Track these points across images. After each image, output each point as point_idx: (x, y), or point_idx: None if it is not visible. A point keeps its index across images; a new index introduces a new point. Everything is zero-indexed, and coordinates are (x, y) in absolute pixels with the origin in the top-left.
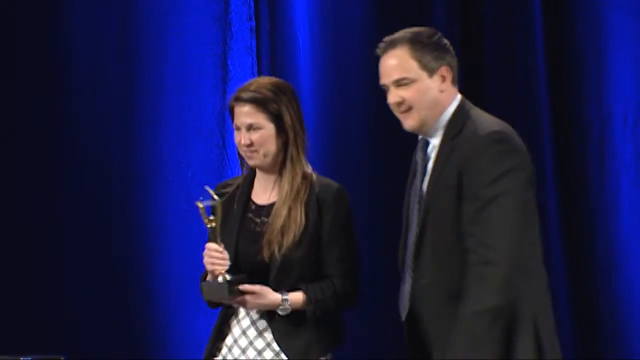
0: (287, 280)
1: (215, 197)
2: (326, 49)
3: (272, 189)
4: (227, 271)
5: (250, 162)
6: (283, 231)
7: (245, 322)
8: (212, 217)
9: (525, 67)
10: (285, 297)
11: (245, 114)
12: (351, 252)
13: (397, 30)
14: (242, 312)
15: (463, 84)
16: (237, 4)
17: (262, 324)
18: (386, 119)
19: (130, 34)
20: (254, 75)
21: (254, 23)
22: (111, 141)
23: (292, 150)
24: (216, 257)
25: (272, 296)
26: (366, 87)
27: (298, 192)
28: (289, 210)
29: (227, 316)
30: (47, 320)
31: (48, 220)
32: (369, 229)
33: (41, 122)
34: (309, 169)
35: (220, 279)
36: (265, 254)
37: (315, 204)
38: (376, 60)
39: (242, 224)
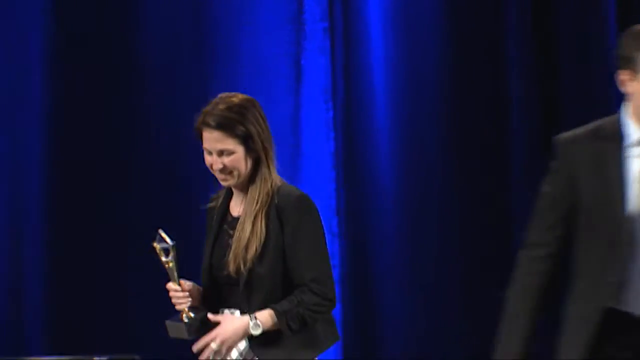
0: (257, 295)
1: (168, 240)
2: (399, 48)
3: (242, 201)
4: (191, 308)
5: (225, 184)
6: (247, 245)
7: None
8: (169, 258)
9: (601, 69)
10: (252, 315)
11: (214, 139)
12: (318, 259)
13: (470, 30)
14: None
15: (538, 86)
16: (310, 4)
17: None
18: (460, 119)
19: (205, 34)
20: (327, 75)
21: (327, 23)
22: (185, 141)
23: (262, 167)
24: (177, 297)
25: (238, 319)
26: (439, 86)
27: (261, 205)
28: (252, 223)
29: None
30: (121, 320)
31: (124, 220)
32: (441, 230)
33: (118, 122)
34: (278, 181)
35: (184, 317)
36: (232, 268)
37: (275, 215)
38: (449, 59)
39: (218, 235)
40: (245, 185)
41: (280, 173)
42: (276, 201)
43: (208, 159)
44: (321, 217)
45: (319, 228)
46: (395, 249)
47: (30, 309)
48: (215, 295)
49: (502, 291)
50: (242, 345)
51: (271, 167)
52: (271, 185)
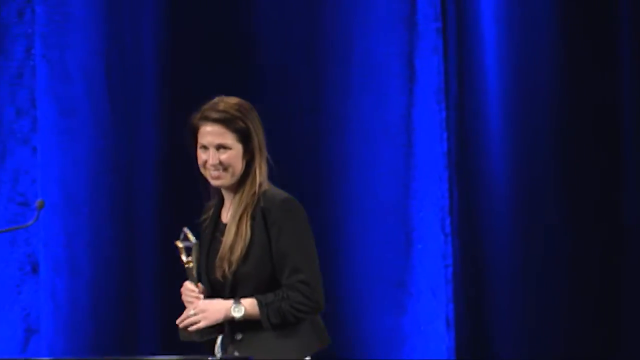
0: (243, 293)
1: (193, 239)
2: (512, 48)
3: (230, 206)
4: None
5: (217, 182)
6: (232, 249)
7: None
8: (190, 258)
9: None
10: (237, 299)
11: (214, 133)
12: (303, 261)
13: (583, 28)
14: (217, 349)
15: None
16: (423, 4)
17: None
18: (572, 119)
19: (318, 34)
20: (440, 75)
21: (440, 23)
22: (298, 141)
23: (255, 169)
24: (191, 297)
25: (220, 302)
26: (554, 87)
27: (246, 208)
28: (237, 226)
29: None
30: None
31: None
32: (552, 230)
33: None
34: (266, 185)
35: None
36: (219, 272)
37: (260, 218)
38: (562, 58)
39: (212, 242)
40: (235, 187)
41: (392, 173)
42: (262, 204)
43: (202, 155)
44: (308, 221)
45: (304, 231)
46: (507, 249)
47: (144, 309)
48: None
49: (614, 293)
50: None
51: (262, 170)
52: (258, 188)
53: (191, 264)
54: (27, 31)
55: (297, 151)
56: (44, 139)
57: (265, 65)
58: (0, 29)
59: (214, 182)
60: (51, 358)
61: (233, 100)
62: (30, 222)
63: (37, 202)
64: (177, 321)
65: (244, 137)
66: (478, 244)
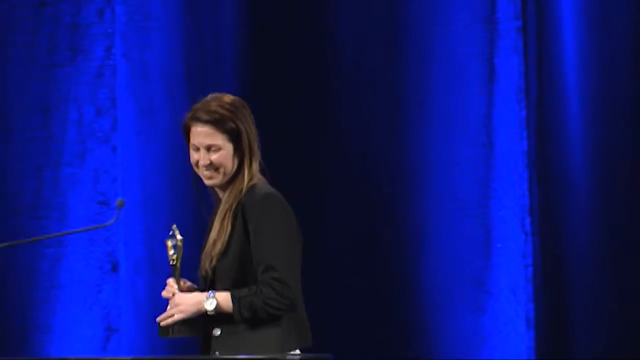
0: (220, 287)
1: (179, 236)
2: (592, 46)
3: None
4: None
5: (209, 182)
6: (215, 243)
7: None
8: (174, 255)
9: None
10: (211, 291)
11: (204, 134)
12: (277, 258)
13: None
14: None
15: None
16: (503, 3)
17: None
18: None
19: (398, 34)
20: (520, 75)
21: (520, 22)
22: (378, 141)
23: (245, 167)
24: (168, 292)
25: (195, 295)
26: (634, 85)
27: (231, 205)
28: (221, 222)
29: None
30: (314, 319)
31: (317, 220)
32: (634, 229)
33: (308, 122)
34: (256, 180)
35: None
36: (204, 267)
37: (240, 213)
38: None
39: (205, 239)
40: (225, 186)
41: (472, 173)
42: (243, 200)
43: (194, 155)
44: (288, 218)
45: (281, 228)
46: (588, 248)
47: None
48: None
49: None
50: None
51: (253, 167)
52: (246, 185)
53: (174, 261)
54: (107, 31)
55: (377, 151)
56: (124, 138)
57: (344, 65)
58: (81, 29)
59: (207, 182)
60: (131, 357)
61: (225, 98)
62: (110, 222)
63: (117, 201)
64: (157, 318)
65: (234, 137)
66: (558, 242)
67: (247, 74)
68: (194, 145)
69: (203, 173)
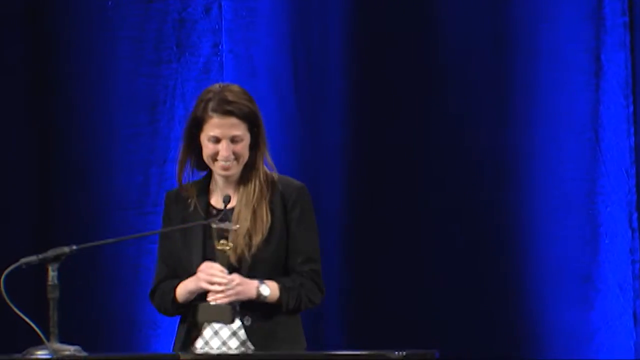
0: (261, 275)
1: (231, 223)
2: None
3: (234, 193)
4: None
5: (226, 173)
6: (251, 233)
7: (215, 342)
8: (225, 242)
9: None
10: (261, 282)
11: (228, 125)
12: (316, 251)
13: None
14: (209, 332)
15: None
16: None
17: (234, 342)
18: None
19: (504, 30)
20: (627, 71)
21: (627, 18)
22: (483, 137)
23: (259, 156)
24: (220, 277)
25: (251, 280)
26: None
27: (261, 193)
28: (254, 211)
29: (189, 338)
30: (420, 316)
31: (420, 218)
32: None
33: (414, 120)
34: (267, 170)
35: (219, 301)
36: (233, 257)
37: (279, 202)
38: None
39: (205, 231)
40: (241, 175)
41: (579, 169)
42: (280, 189)
43: (212, 147)
44: None
45: (315, 221)
46: None
47: (330, 303)
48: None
49: None
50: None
51: (267, 157)
52: (266, 174)
53: (227, 247)
54: (214, 27)
55: (483, 147)
56: None
57: (451, 62)
58: (187, 25)
59: (222, 173)
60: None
61: (236, 87)
62: (217, 217)
63: (224, 197)
64: (209, 298)
65: (253, 127)
66: None
67: (355, 71)
68: (214, 137)
69: (220, 165)
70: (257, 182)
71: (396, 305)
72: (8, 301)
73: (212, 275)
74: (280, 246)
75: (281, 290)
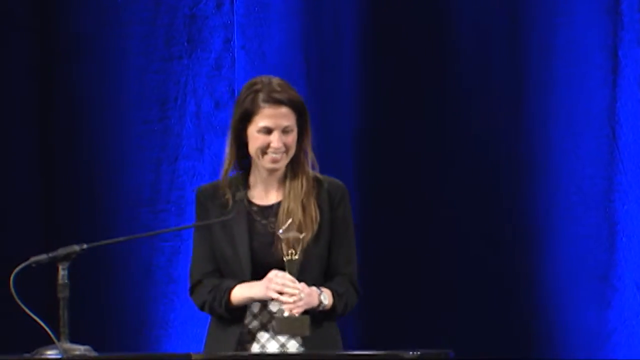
0: (310, 276)
1: (297, 233)
2: None
3: (277, 189)
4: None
5: (274, 166)
6: (301, 229)
7: (273, 345)
8: (292, 251)
9: None
10: (319, 290)
11: (281, 115)
12: (355, 252)
13: None
14: (264, 336)
15: None
16: None
17: (293, 344)
18: None
19: (519, 25)
20: None
21: None
22: (499, 133)
23: (305, 150)
24: (292, 287)
25: (313, 290)
26: None
27: (309, 189)
28: (303, 207)
29: (241, 342)
30: (435, 315)
31: (432, 216)
32: None
33: (427, 117)
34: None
35: (294, 313)
36: (277, 254)
37: (326, 200)
38: None
39: (249, 227)
40: (286, 170)
41: (596, 166)
42: (326, 186)
43: (262, 139)
44: None
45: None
46: None
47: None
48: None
49: None
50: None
51: (309, 152)
52: (309, 170)
53: (295, 257)
54: (225, 22)
55: (498, 145)
56: None
57: (465, 57)
58: (199, 20)
59: (271, 166)
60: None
61: (278, 79)
62: (230, 215)
63: (238, 195)
64: (286, 308)
65: (301, 117)
66: None
67: (367, 67)
68: (265, 127)
69: (271, 157)
70: (304, 176)
71: (410, 304)
72: (18, 300)
73: (283, 285)
74: (326, 245)
75: (334, 297)
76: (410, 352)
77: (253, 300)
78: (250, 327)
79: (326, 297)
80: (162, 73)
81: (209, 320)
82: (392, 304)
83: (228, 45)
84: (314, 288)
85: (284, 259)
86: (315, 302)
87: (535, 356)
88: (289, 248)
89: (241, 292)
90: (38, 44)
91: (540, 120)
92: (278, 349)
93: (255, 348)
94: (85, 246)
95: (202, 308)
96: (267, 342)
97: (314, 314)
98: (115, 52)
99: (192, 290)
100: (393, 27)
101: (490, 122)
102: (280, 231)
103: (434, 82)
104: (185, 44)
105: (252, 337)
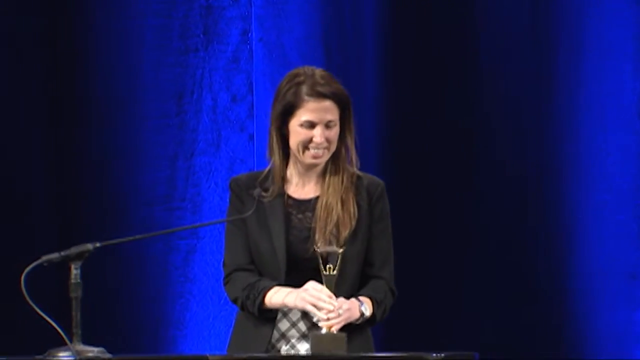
0: (348, 273)
1: (336, 248)
2: None
3: (315, 183)
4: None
5: (316, 161)
6: (339, 224)
7: (303, 345)
8: (330, 266)
9: None
10: (360, 302)
11: (324, 109)
12: (392, 252)
13: None
14: (294, 334)
15: None
16: None
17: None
18: None
19: (547, 16)
20: None
21: None
22: (527, 128)
23: (346, 144)
24: (327, 302)
25: (353, 303)
26: None
27: (348, 184)
28: (342, 203)
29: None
30: (463, 316)
31: (460, 213)
32: None
33: (451, 111)
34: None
35: (332, 330)
36: (311, 249)
37: (365, 197)
38: None
39: (285, 220)
40: (327, 165)
41: (626, 162)
42: (365, 183)
43: (304, 133)
44: None
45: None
46: None
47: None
48: (297, 281)
49: None
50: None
51: (351, 148)
52: (355, 165)
53: (334, 273)
54: (243, 13)
55: (526, 140)
56: (262, 126)
57: (491, 51)
58: (215, 12)
59: (312, 161)
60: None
61: (321, 70)
62: (248, 213)
63: (254, 192)
64: (324, 325)
65: (344, 111)
66: None
67: (389, 58)
68: (308, 122)
69: (312, 153)
70: (344, 172)
71: (436, 305)
72: (29, 300)
73: (319, 299)
74: (364, 243)
75: (374, 305)
76: (434, 354)
77: (287, 307)
78: (280, 325)
79: (367, 308)
80: (177, 66)
81: (235, 318)
82: (417, 305)
83: (245, 37)
84: (354, 300)
85: (322, 274)
86: (356, 315)
87: (565, 356)
88: (326, 263)
89: (276, 297)
90: (52, 37)
91: (569, 116)
92: (307, 349)
93: (284, 348)
94: (98, 244)
95: (234, 302)
96: (297, 342)
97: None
98: (130, 45)
99: (225, 281)
100: (416, 22)
101: (518, 119)
102: (318, 246)
103: (458, 75)
104: (202, 36)
105: (282, 336)
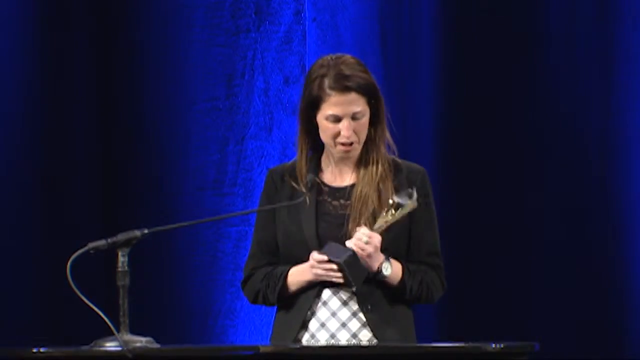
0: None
1: (414, 198)
2: None
3: (352, 171)
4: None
5: (346, 155)
6: (375, 213)
7: (323, 335)
8: (396, 213)
9: None
10: (388, 261)
11: (348, 102)
12: (438, 244)
13: None
14: (314, 325)
15: None
16: None
17: (344, 334)
18: None
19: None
20: None
21: None
22: (588, 114)
23: (380, 130)
24: (333, 272)
25: (379, 253)
26: None
27: (385, 173)
28: (378, 191)
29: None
30: (521, 313)
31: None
32: None
33: (513, 96)
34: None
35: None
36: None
37: (405, 185)
38: None
39: (318, 207)
40: (359, 156)
41: None
42: (404, 171)
43: (332, 127)
44: None
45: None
46: None
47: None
48: None
49: None
50: (356, 325)
51: (387, 135)
52: (386, 153)
53: (389, 219)
54: None
55: (587, 126)
56: None
57: (550, 30)
58: None
59: (343, 155)
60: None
61: (350, 58)
62: (300, 199)
63: (308, 177)
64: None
65: (372, 99)
66: None
67: (447, 41)
68: (334, 115)
69: (341, 146)
70: (380, 159)
71: (497, 300)
72: (75, 289)
73: (324, 271)
74: (403, 234)
75: (404, 272)
76: (493, 345)
77: (311, 283)
78: (320, 314)
79: (389, 269)
80: (228, 47)
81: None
82: (479, 298)
83: (298, 17)
84: (381, 254)
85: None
86: (373, 264)
87: (628, 356)
88: (392, 210)
89: (297, 278)
90: (99, 17)
91: (630, 100)
92: (327, 339)
93: (305, 337)
94: (146, 231)
95: (254, 300)
96: (317, 332)
97: (378, 297)
98: (179, 26)
99: (243, 284)
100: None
101: (579, 103)
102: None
103: (518, 56)
104: (253, 16)
105: (303, 326)
